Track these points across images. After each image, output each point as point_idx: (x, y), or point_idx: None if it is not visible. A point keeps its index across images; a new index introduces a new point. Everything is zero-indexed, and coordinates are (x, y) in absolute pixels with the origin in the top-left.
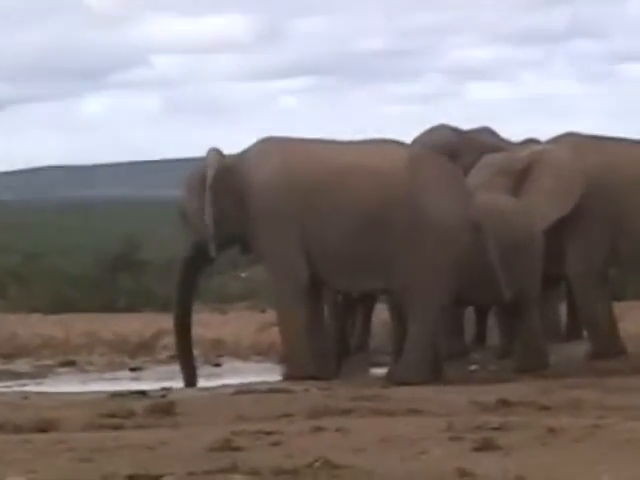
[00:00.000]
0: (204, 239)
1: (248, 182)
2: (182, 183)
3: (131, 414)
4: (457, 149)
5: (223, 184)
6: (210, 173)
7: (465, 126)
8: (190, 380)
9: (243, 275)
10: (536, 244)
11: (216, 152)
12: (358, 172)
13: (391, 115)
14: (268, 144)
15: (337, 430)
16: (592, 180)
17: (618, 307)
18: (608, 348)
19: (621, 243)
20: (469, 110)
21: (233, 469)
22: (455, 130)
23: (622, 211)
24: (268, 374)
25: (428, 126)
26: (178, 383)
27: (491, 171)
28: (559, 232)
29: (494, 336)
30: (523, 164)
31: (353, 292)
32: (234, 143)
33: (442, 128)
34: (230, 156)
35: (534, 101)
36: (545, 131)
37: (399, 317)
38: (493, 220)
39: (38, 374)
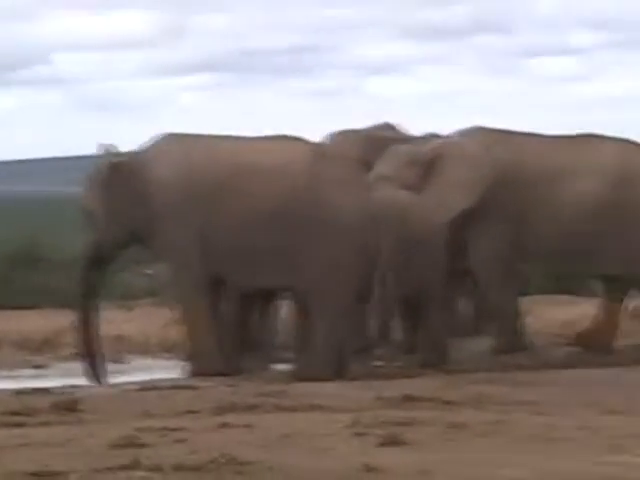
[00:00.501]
0: (104, 237)
1: (147, 179)
2: (84, 181)
3: (35, 411)
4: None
5: (120, 181)
6: (104, 171)
7: (368, 122)
8: (96, 378)
9: (148, 272)
10: (437, 239)
11: (109, 149)
12: (259, 168)
13: (294, 111)
14: (168, 140)
15: (242, 426)
16: (498, 174)
17: (522, 302)
18: (513, 343)
19: (526, 238)
20: (373, 106)
21: (135, 465)
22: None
23: (528, 206)
24: (174, 371)
25: (331, 122)
26: (82, 380)
27: (398, 162)
28: (465, 226)
29: (398, 331)
30: (430, 155)
31: (255, 289)
32: (137, 140)
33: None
34: (128, 153)
35: (438, 96)
36: (450, 126)
37: (302, 313)
38: (393, 216)
39: None
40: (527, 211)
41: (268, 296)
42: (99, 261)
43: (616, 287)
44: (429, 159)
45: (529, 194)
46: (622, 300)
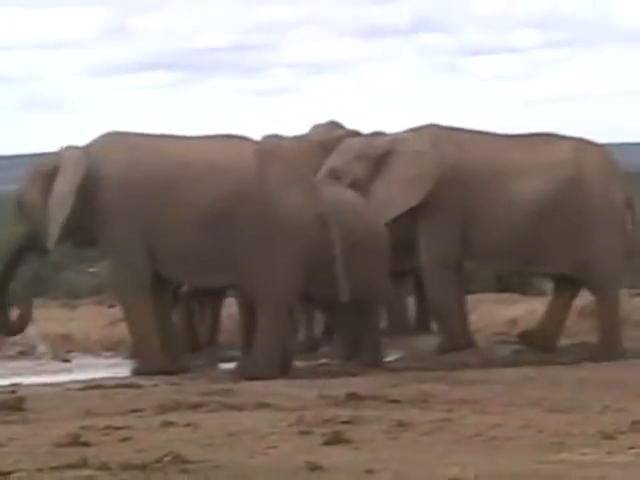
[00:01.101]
0: (39, 231)
1: (92, 176)
2: (25, 174)
3: None
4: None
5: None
6: (76, 172)
7: (310, 121)
8: None
9: (91, 270)
10: (382, 240)
11: (74, 149)
12: (205, 167)
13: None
14: (112, 138)
15: (187, 425)
16: (447, 171)
17: (467, 300)
18: (457, 342)
19: (475, 236)
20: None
21: (82, 464)
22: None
23: (477, 204)
24: (117, 369)
25: (273, 120)
26: (27, 379)
27: (350, 155)
28: (411, 223)
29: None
30: (382, 150)
31: (201, 288)
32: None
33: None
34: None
35: (379, 95)
36: (393, 124)
37: (247, 311)
38: (339, 215)
39: None
40: (476, 209)
41: (214, 294)
42: (26, 254)
43: (566, 286)
44: (382, 153)
45: (478, 192)
46: (572, 299)
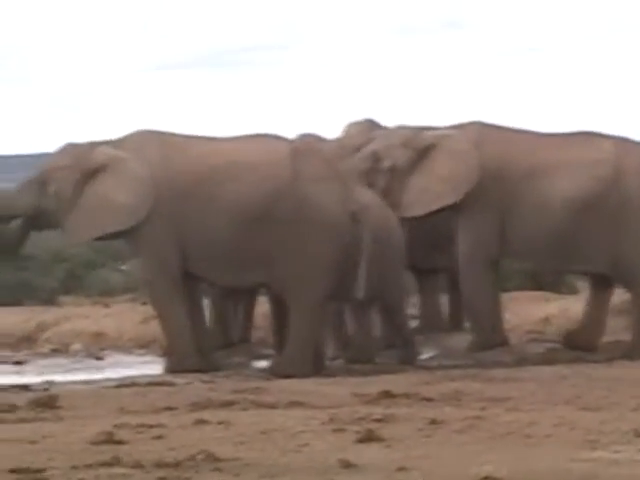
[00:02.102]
0: (50, 213)
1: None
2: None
3: (14, 408)
4: None
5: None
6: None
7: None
8: None
9: (124, 268)
10: (399, 240)
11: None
12: (239, 166)
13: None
14: (145, 136)
15: (219, 423)
16: (487, 170)
17: (501, 298)
18: (490, 339)
19: (511, 234)
20: (349, 102)
21: (116, 462)
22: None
23: (513, 202)
24: (150, 367)
25: (308, 118)
26: (61, 376)
27: (395, 141)
28: (447, 220)
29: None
30: (427, 143)
31: (234, 287)
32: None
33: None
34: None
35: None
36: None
37: (280, 310)
38: (368, 215)
39: None
40: (514, 207)
41: (248, 292)
42: (35, 224)
43: (602, 285)
44: (424, 146)
45: (516, 190)
46: (608, 297)
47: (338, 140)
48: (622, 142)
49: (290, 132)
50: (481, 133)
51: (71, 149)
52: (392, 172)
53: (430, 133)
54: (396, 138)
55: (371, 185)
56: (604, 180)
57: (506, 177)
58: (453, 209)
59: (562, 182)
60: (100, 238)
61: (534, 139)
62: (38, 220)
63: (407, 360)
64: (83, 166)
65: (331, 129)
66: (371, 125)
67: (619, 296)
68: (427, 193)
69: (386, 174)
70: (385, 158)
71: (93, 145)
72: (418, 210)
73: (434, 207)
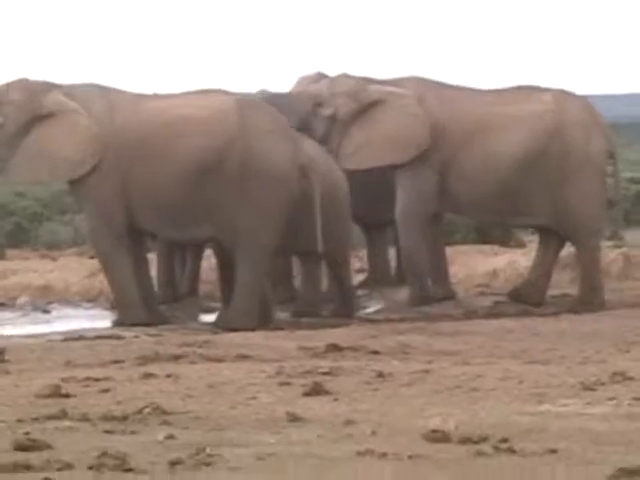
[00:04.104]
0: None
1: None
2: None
3: None
4: None
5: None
6: (87, 139)
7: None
8: None
9: (71, 221)
10: (345, 193)
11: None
12: (186, 121)
13: None
14: (91, 91)
15: (167, 376)
16: (429, 125)
17: (446, 251)
18: (429, 293)
19: (454, 188)
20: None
21: (63, 415)
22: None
23: (456, 156)
24: (98, 321)
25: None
26: (8, 330)
27: (341, 89)
28: (387, 175)
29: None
30: (373, 98)
31: (182, 241)
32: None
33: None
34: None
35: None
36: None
37: (227, 263)
38: (317, 168)
39: None
40: (456, 162)
41: (195, 246)
42: None
43: (550, 239)
44: (370, 101)
45: (458, 145)
46: (557, 252)
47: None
48: (561, 94)
49: (241, 88)
50: (421, 89)
51: (25, 85)
52: (332, 120)
53: (376, 88)
54: (340, 87)
55: (307, 129)
56: (546, 133)
57: (448, 133)
58: (391, 165)
59: (504, 136)
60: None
61: (474, 94)
62: None
63: (344, 314)
64: (33, 109)
65: (284, 83)
66: (321, 79)
67: (565, 249)
68: (370, 148)
69: (325, 121)
70: (326, 105)
71: (46, 86)
72: (359, 163)
73: (376, 164)
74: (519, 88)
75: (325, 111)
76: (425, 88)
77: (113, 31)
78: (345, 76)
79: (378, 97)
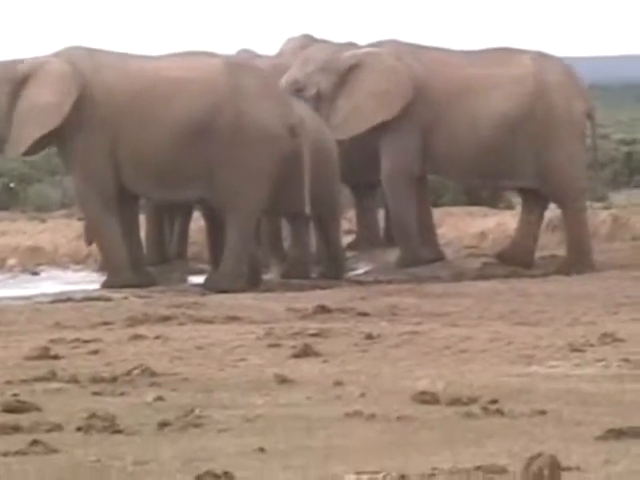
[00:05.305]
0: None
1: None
2: None
3: None
4: None
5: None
6: (67, 89)
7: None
8: None
9: (60, 183)
10: (335, 155)
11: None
12: (175, 82)
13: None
14: (77, 53)
15: (156, 338)
16: (415, 86)
17: (436, 213)
18: (417, 255)
19: (437, 150)
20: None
21: (51, 377)
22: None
23: (438, 118)
24: (86, 282)
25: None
26: None
27: (313, 67)
28: (374, 137)
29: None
30: (349, 63)
31: (170, 202)
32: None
33: None
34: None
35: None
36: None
37: (215, 225)
38: (307, 129)
39: None
40: (438, 124)
41: (184, 207)
42: None
43: (535, 200)
44: (346, 67)
45: (440, 107)
46: (541, 213)
47: (275, 56)
48: (540, 56)
49: (226, 49)
50: (399, 50)
51: None
52: (317, 98)
53: (349, 53)
54: (314, 63)
55: None
56: (528, 95)
57: (429, 95)
58: (378, 126)
59: (486, 98)
60: (38, 148)
61: (453, 55)
62: None
63: (333, 276)
64: (11, 78)
65: (269, 46)
66: (308, 41)
67: (553, 211)
68: (358, 112)
69: (312, 102)
70: (307, 86)
71: (18, 62)
72: (352, 131)
73: (369, 125)
74: (496, 50)
75: (308, 93)
76: (403, 50)
77: None
78: (318, 47)
79: (354, 61)
